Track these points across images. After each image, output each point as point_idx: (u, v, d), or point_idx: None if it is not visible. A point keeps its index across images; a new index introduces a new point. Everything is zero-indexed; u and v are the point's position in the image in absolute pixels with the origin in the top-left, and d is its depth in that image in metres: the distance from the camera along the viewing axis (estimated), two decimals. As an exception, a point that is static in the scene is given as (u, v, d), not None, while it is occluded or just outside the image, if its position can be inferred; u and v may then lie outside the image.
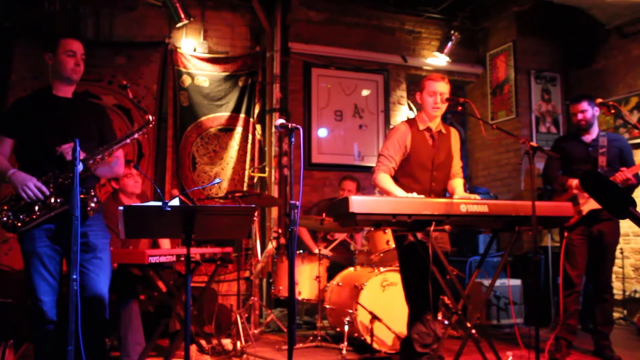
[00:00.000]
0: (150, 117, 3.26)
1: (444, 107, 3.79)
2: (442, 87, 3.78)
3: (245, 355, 4.40)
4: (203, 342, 4.62)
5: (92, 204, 3.14)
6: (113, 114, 6.00)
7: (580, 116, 4.61)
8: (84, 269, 3.10)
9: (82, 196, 3.10)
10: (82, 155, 3.06)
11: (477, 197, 3.56)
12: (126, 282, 4.12)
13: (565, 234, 4.59)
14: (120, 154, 3.38)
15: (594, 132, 4.64)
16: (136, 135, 3.25)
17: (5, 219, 3.00)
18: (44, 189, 3.01)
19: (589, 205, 4.42)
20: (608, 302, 4.60)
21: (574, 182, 4.48)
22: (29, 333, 3.86)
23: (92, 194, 3.16)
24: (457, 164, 3.99)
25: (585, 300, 5.03)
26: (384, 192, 3.69)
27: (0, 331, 4.13)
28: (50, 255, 3.09)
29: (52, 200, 3.03)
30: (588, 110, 4.60)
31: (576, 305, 4.58)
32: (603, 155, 4.53)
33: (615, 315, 6.29)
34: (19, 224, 3.00)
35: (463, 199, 3.47)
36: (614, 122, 6.70)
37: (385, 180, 3.69)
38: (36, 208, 3.01)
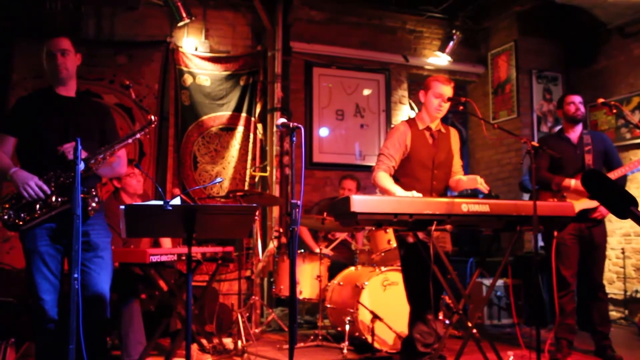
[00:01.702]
0: (153, 117, 3.25)
1: (446, 108, 3.81)
2: (449, 92, 3.80)
3: (246, 355, 4.41)
4: (204, 341, 4.62)
5: (94, 204, 3.13)
6: (114, 113, 5.95)
7: (579, 105, 4.61)
8: (85, 268, 3.10)
9: (83, 195, 3.09)
10: (83, 155, 3.05)
11: (479, 178, 3.59)
12: (127, 281, 4.12)
13: (556, 233, 4.58)
14: (122, 154, 3.37)
15: (578, 130, 4.65)
16: (138, 135, 3.25)
17: (6, 217, 3.01)
18: (45, 187, 3.01)
19: (579, 204, 4.41)
20: (603, 302, 4.60)
21: (572, 182, 4.48)
22: (30, 332, 3.87)
23: (94, 193, 3.15)
24: (457, 162, 4.00)
25: (580, 300, 5.02)
26: (383, 190, 3.70)
27: (1, 330, 4.14)
28: (51, 254, 3.09)
29: (53, 199, 3.03)
30: (582, 104, 4.64)
31: (573, 304, 4.58)
32: (589, 153, 4.54)
33: (617, 315, 6.30)
34: (20, 223, 3.01)
35: (470, 180, 3.49)
36: (615, 122, 6.70)
37: (384, 178, 3.70)
38: (37, 207, 3.01)
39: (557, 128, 5.88)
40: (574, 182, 4.48)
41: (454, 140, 3.98)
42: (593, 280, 4.59)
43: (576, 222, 4.47)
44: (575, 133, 4.64)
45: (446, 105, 3.79)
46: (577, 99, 4.63)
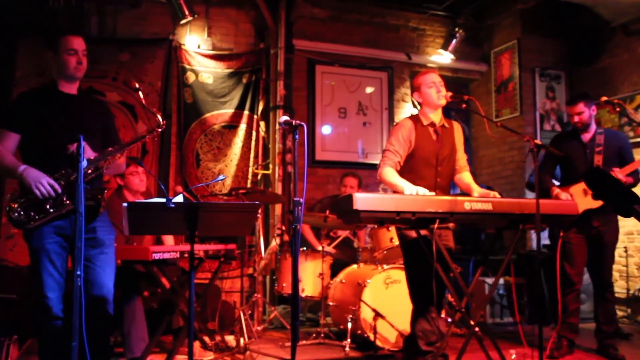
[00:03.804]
0: (161, 120, 3.30)
1: (446, 93, 3.77)
2: (437, 77, 3.84)
3: (248, 352, 4.41)
4: (206, 339, 4.63)
5: (102, 201, 3.16)
6: (117, 111, 6.01)
7: (576, 118, 4.58)
8: (90, 264, 3.10)
9: (98, 196, 3.12)
10: (92, 155, 3.08)
11: (497, 194, 3.54)
12: (130, 279, 4.12)
13: (561, 233, 4.59)
14: None
15: (592, 130, 4.61)
16: (147, 137, 3.30)
17: (15, 215, 3.00)
18: (57, 186, 3.01)
19: (583, 204, 4.40)
20: (610, 302, 4.59)
21: (555, 191, 4.51)
22: (32, 329, 3.88)
23: (105, 190, 3.20)
24: (462, 157, 3.97)
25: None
26: (390, 186, 3.67)
27: (4, 327, 4.15)
28: (57, 252, 3.09)
29: (64, 197, 3.04)
30: (584, 112, 4.56)
31: (577, 303, 4.58)
32: (599, 154, 4.51)
33: (619, 313, 6.28)
34: (30, 221, 3.01)
35: (482, 196, 3.47)
36: (618, 121, 6.69)
37: (390, 174, 3.67)
38: (47, 205, 3.01)
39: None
40: (556, 192, 4.50)
41: (458, 135, 3.95)
42: (601, 280, 4.58)
43: (581, 223, 4.46)
44: (588, 133, 4.60)
45: (443, 89, 3.78)
46: (576, 109, 4.56)
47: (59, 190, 3.02)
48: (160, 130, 3.34)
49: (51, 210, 3.01)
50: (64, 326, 3.06)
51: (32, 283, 3.12)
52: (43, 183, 2.97)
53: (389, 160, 3.74)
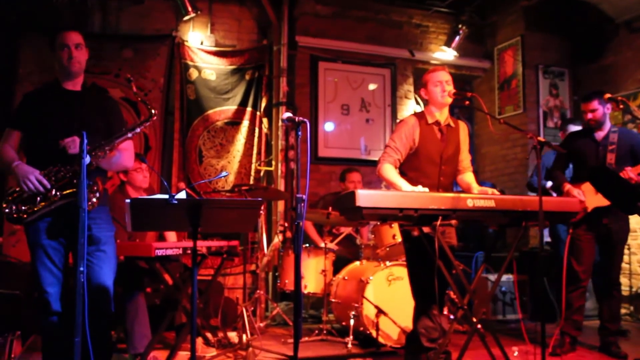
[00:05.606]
0: (153, 111, 3.25)
1: (451, 91, 3.74)
2: (445, 76, 3.78)
3: (250, 348, 4.41)
4: (209, 335, 4.64)
5: (94, 199, 3.10)
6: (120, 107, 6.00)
7: (590, 115, 4.57)
8: (87, 262, 3.09)
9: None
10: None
11: (495, 191, 3.54)
12: (132, 275, 4.13)
13: (570, 230, 4.58)
14: (129, 146, 3.35)
15: (606, 128, 4.60)
16: (138, 129, 3.23)
17: (7, 210, 3.02)
18: (45, 182, 3.01)
19: (594, 201, 4.40)
20: (615, 299, 4.59)
21: (566, 187, 4.51)
22: (35, 325, 3.89)
23: (94, 188, 3.12)
24: (466, 157, 3.96)
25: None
26: (388, 183, 3.68)
27: (7, 323, 4.15)
28: (54, 247, 3.10)
29: (53, 192, 3.03)
30: (598, 109, 4.54)
31: (582, 301, 4.58)
32: (612, 152, 4.49)
33: (622, 311, 6.27)
34: (24, 216, 3.02)
35: (480, 194, 3.47)
36: (622, 118, 6.67)
37: (389, 171, 3.67)
38: (37, 200, 3.02)
39: (572, 127, 5.82)
40: (567, 187, 4.49)
41: (463, 135, 3.94)
42: (608, 277, 4.58)
43: (591, 220, 4.45)
44: (602, 131, 4.59)
45: (450, 88, 3.75)
46: (590, 106, 4.55)
47: (48, 186, 3.01)
48: (154, 118, 3.25)
49: (40, 205, 3.02)
50: (62, 322, 3.07)
51: (32, 278, 3.13)
52: (30, 179, 2.98)
53: (389, 157, 3.73)
